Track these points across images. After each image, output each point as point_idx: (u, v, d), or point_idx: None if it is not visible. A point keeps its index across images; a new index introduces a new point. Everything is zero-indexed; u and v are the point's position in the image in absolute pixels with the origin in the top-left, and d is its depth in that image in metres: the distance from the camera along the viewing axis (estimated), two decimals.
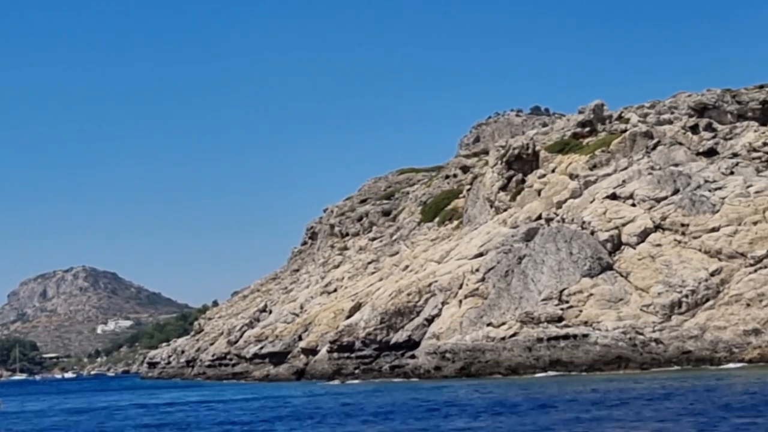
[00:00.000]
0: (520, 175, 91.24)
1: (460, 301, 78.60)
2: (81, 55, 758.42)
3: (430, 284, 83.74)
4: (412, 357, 78.47)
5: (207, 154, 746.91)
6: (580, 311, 70.41)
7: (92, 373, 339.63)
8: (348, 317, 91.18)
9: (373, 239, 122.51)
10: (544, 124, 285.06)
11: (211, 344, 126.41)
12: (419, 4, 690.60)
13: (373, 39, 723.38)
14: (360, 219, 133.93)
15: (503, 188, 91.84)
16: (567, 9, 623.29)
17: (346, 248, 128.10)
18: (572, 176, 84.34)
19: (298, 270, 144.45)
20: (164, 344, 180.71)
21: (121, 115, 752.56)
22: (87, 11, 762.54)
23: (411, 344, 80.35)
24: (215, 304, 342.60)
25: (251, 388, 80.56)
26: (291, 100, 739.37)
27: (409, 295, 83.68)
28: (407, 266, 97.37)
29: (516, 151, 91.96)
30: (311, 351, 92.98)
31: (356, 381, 78.52)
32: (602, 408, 37.32)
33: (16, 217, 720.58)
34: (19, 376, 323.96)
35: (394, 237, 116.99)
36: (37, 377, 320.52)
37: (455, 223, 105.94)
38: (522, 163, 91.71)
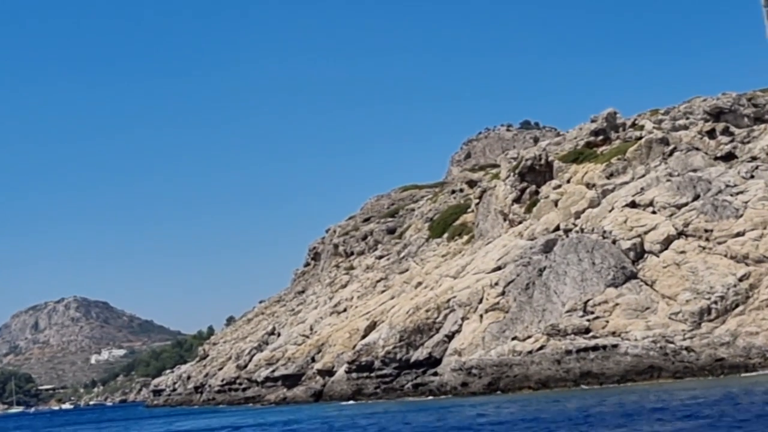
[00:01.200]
0: (533, 187, 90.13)
1: (481, 316, 77.34)
2: (69, 72, 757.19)
3: (448, 300, 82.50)
4: (435, 374, 77.23)
5: (198, 179, 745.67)
6: (607, 322, 69.14)
7: (90, 403, 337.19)
8: (363, 336, 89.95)
9: (380, 257, 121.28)
10: (536, 139, 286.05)
11: (220, 369, 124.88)
12: (408, 20, 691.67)
13: (364, 54, 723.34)
14: (365, 237, 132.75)
15: (517, 200, 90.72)
16: (553, 20, 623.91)
17: (352, 267, 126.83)
18: (589, 185, 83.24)
19: (302, 291, 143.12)
20: (168, 371, 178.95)
21: (108, 138, 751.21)
22: (84, 20, 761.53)
23: (432, 361, 79.07)
24: (210, 330, 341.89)
25: (299, 411, 78.19)
26: (276, 114, 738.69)
27: (427, 311, 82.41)
28: (420, 283, 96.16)
29: (528, 163, 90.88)
30: (327, 372, 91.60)
31: (380, 400, 77.21)
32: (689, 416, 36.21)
33: (4, 249, 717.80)
34: (16, 409, 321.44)
35: (402, 254, 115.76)
36: (31, 410, 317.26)
37: (465, 237, 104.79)
38: (535, 174, 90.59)
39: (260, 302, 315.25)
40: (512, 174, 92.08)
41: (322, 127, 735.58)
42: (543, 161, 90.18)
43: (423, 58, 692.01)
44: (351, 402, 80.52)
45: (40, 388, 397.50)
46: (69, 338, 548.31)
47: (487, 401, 59.92)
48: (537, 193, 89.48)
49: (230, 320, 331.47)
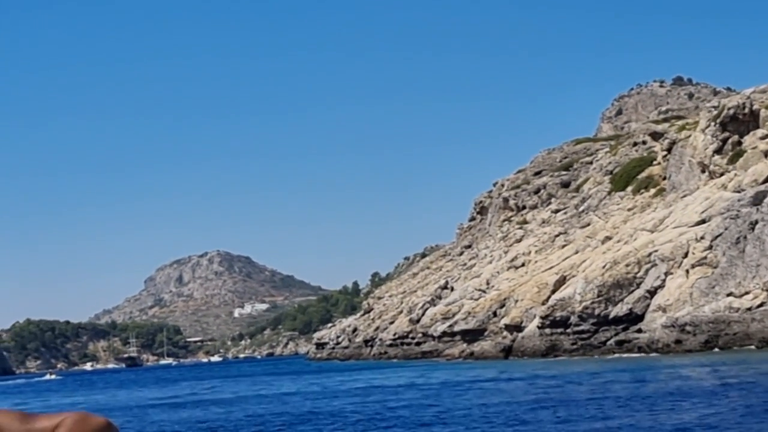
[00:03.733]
0: (736, 137, 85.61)
1: (687, 271, 73.74)
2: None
3: (649, 254, 79.02)
4: (639, 331, 74.11)
5: (344, 127, 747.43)
6: None
7: (240, 356, 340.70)
8: (553, 291, 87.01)
9: (556, 211, 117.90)
10: (690, 95, 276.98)
11: (391, 323, 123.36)
12: None
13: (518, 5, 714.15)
14: (537, 191, 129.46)
15: (718, 151, 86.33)
16: None
17: (525, 221, 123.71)
18: None
19: (469, 246, 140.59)
20: (330, 324, 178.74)
21: (254, 105, 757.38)
22: None
23: (633, 317, 75.96)
24: (356, 285, 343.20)
25: (512, 366, 74.61)
26: (426, 63, 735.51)
27: (627, 266, 79.09)
28: (608, 237, 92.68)
29: (731, 112, 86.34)
30: (516, 327, 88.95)
31: (583, 357, 74.38)
32: None
33: (151, 204, 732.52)
34: (166, 361, 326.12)
35: (581, 208, 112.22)
36: (171, 362, 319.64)
37: (652, 191, 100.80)
38: (738, 123, 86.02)
39: (405, 258, 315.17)
40: (712, 124, 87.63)
41: (468, 80, 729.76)
42: (747, 110, 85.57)
43: (576, 13, 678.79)
44: (564, 358, 77.46)
45: (188, 340, 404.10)
46: (212, 292, 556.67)
47: (725, 359, 56.27)
48: (740, 143, 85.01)
49: (375, 276, 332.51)
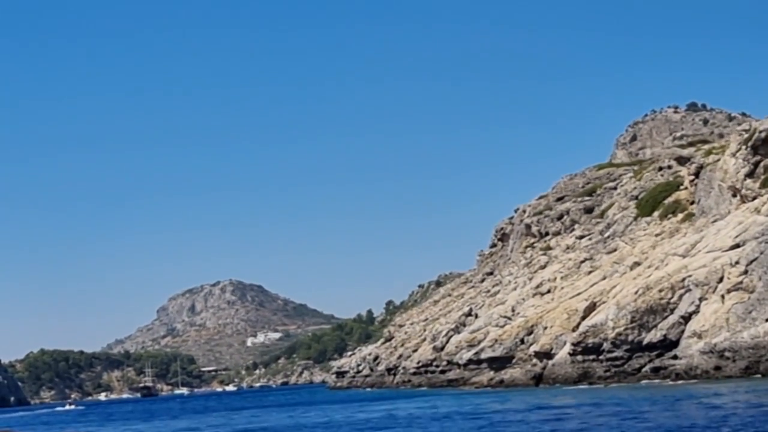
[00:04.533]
0: (767, 161, 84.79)
1: (722, 296, 72.61)
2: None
3: (683, 279, 77.94)
4: (675, 357, 72.99)
5: (355, 158, 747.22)
6: None
7: (256, 385, 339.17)
8: (584, 318, 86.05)
9: (581, 237, 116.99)
10: (705, 120, 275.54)
11: (414, 351, 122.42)
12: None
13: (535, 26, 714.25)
14: (560, 217, 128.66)
15: (749, 175, 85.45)
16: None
17: (549, 248, 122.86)
18: None
19: (491, 273, 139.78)
20: (349, 353, 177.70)
21: (266, 133, 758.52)
22: None
23: (667, 344, 74.81)
24: (370, 314, 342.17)
25: (556, 392, 73.48)
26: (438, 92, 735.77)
27: (660, 291, 77.99)
28: (637, 263, 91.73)
29: (762, 135, 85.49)
30: (545, 354, 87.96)
31: (618, 384, 73.25)
32: None
33: (163, 234, 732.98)
34: (180, 391, 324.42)
35: (607, 234, 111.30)
36: (185, 391, 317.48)
37: (680, 216, 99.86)
38: None
39: (419, 286, 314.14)
40: (744, 147, 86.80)
41: (484, 106, 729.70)
42: None
43: (589, 37, 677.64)
44: (600, 385, 76.18)
45: (203, 369, 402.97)
46: (225, 321, 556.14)
47: None
48: None
49: (390, 304, 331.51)
